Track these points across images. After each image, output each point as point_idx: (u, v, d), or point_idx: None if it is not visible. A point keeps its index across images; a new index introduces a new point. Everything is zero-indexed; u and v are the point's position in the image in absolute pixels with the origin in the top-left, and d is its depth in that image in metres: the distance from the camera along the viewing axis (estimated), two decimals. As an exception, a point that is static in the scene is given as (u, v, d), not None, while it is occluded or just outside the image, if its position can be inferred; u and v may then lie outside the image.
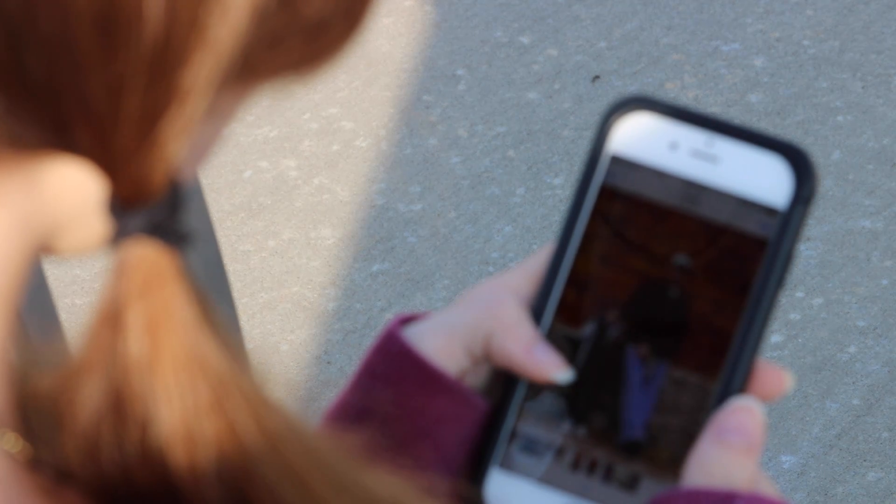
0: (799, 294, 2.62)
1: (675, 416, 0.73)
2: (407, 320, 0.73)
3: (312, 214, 2.86)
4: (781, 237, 0.72)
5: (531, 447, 0.74)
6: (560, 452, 0.74)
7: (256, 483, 0.46)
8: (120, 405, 0.45)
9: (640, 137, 0.74)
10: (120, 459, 0.45)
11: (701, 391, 0.73)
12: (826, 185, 2.78)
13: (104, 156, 0.43)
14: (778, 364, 0.74)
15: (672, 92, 3.03)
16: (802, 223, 0.72)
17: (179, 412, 0.45)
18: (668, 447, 0.73)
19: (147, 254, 0.45)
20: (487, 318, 0.71)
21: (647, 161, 0.74)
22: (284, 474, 0.47)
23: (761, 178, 0.73)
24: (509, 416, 0.74)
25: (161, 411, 0.45)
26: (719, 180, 0.73)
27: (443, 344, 0.71)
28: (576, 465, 0.73)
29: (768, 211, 0.72)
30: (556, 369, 0.71)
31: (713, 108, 2.94)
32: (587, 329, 0.74)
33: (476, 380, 0.74)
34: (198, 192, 0.96)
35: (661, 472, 0.72)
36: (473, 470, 0.74)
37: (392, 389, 0.71)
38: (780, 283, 0.72)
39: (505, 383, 0.74)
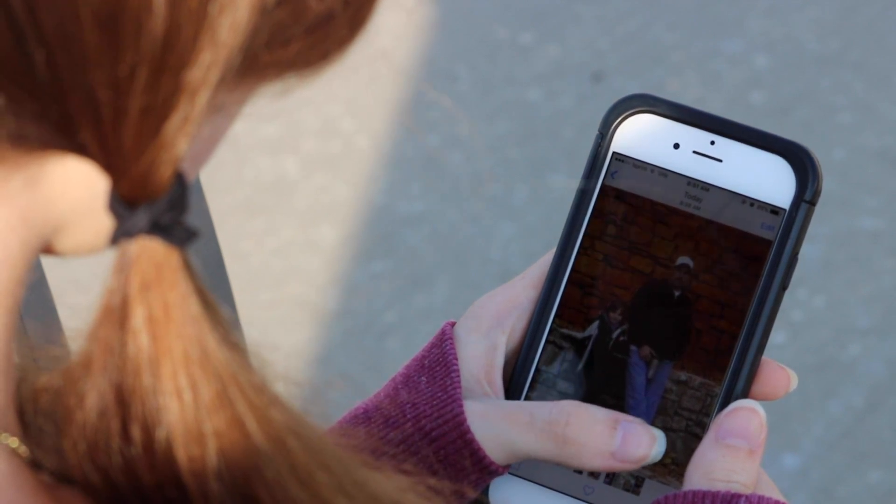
0: (801, 293, 2.62)
1: (678, 417, 0.73)
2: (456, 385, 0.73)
3: (312, 214, 2.86)
4: (785, 238, 0.72)
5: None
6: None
7: (262, 479, 0.46)
8: (125, 401, 0.45)
9: (643, 137, 0.74)
10: (125, 455, 0.45)
11: (704, 393, 0.72)
12: (828, 184, 2.77)
13: (109, 154, 0.43)
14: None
15: (674, 91, 3.03)
16: (807, 224, 0.72)
17: (185, 408, 0.45)
18: (671, 449, 0.72)
19: (151, 251, 0.45)
20: (558, 452, 0.71)
21: (651, 161, 0.74)
22: (290, 471, 0.46)
23: (765, 179, 0.72)
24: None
25: (167, 407, 0.45)
26: (723, 180, 0.73)
27: (502, 457, 0.72)
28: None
29: (773, 211, 0.72)
30: (644, 458, 0.71)
31: (715, 107, 2.94)
32: (590, 330, 0.74)
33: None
34: (198, 191, 0.96)
35: (664, 475, 0.72)
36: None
37: (440, 460, 0.72)
38: (784, 284, 0.72)
39: (513, 383, 0.74)
